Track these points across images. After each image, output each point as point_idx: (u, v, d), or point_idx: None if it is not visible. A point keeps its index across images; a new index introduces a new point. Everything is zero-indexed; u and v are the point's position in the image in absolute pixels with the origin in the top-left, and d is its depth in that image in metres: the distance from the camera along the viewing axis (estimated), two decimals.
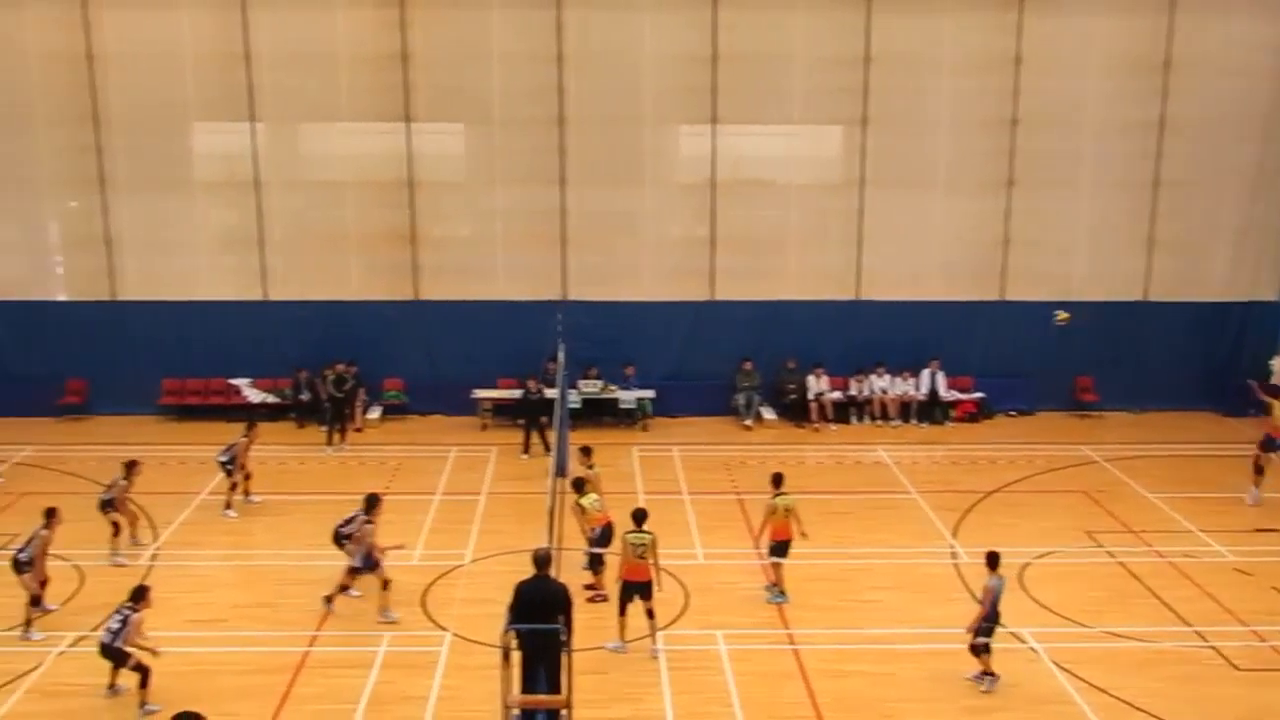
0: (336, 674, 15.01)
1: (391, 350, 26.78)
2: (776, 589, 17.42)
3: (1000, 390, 27.26)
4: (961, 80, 26.21)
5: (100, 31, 25.45)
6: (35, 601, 16.41)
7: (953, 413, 26.86)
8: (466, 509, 21.00)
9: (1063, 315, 23.17)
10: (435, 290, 26.73)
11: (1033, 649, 15.88)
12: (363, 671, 15.04)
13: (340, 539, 17.37)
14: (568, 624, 12.55)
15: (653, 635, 15.66)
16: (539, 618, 12.50)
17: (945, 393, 26.83)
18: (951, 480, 23.09)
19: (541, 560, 13.14)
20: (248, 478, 21.21)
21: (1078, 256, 27.17)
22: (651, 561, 15.60)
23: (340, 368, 25.21)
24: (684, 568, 18.35)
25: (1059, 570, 18.55)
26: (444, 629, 16.28)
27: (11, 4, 25.41)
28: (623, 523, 16.29)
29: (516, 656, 12.44)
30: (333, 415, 24.87)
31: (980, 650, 14.83)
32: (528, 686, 12.63)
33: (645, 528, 15.80)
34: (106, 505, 18.77)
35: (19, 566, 16.35)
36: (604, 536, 17.36)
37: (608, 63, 26.03)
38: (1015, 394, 27.33)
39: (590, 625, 15.68)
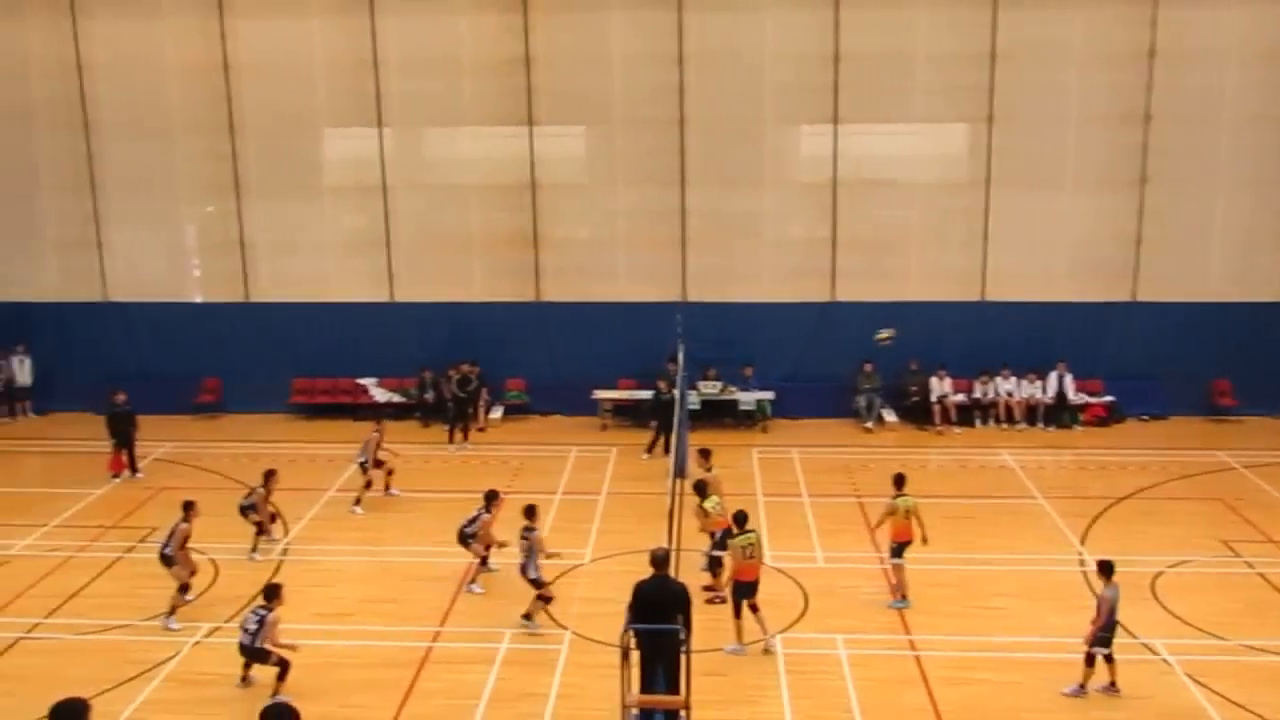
0: (459, 669, 15.25)
1: (513, 351, 27.11)
2: (899, 595, 17.18)
3: (1132, 394, 26.51)
4: (1091, 75, 25.57)
5: (235, 42, 26.31)
6: (184, 589, 17.03)
7: (1081, 416, 26.21)
8: (586, 509, 21.17)
9: (884, 335, 22.87)
10: (556, 291, 27.00)
11: (1165, 661, 15.44)
12: (485, 668, 15.25)
13: (465, 538, 17.71)
14: (687, 624, 12.56)
15: (763, 629, 15.67)
16: (658, 617, 12.54)
17: (1073, 396, 26.20)
18: (1079, 486, 22.56)
19: (660, 560, 13.18)
20: (389, 473, 21.66)
21: (1213, 255, 26.31)
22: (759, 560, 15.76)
23: (465, 368, 25.62)
24: (803, 571, 18.26)
25: (1193, 580, 17.98)
26: (564, 627, 16.42)
27: (152, 16, 26.39)
28: None
29: (636, 656, 12.50)
30: (455, 415, 25.28)
31: (1094, 660, 14.48)
32: (646, 686, 12.69)
33: (748, 527, 15.94)
34: (246, 510, 19.28)
35: (166, 560, 16.97)
36: (724, 539, 17.32)
37: (728, 63, 26.00)
38: (1147, 398, 26.56)
39: (709, 626, 15.68)
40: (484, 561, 18.03)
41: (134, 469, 22.92)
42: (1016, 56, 25.55)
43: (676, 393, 21.77)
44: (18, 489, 23.16)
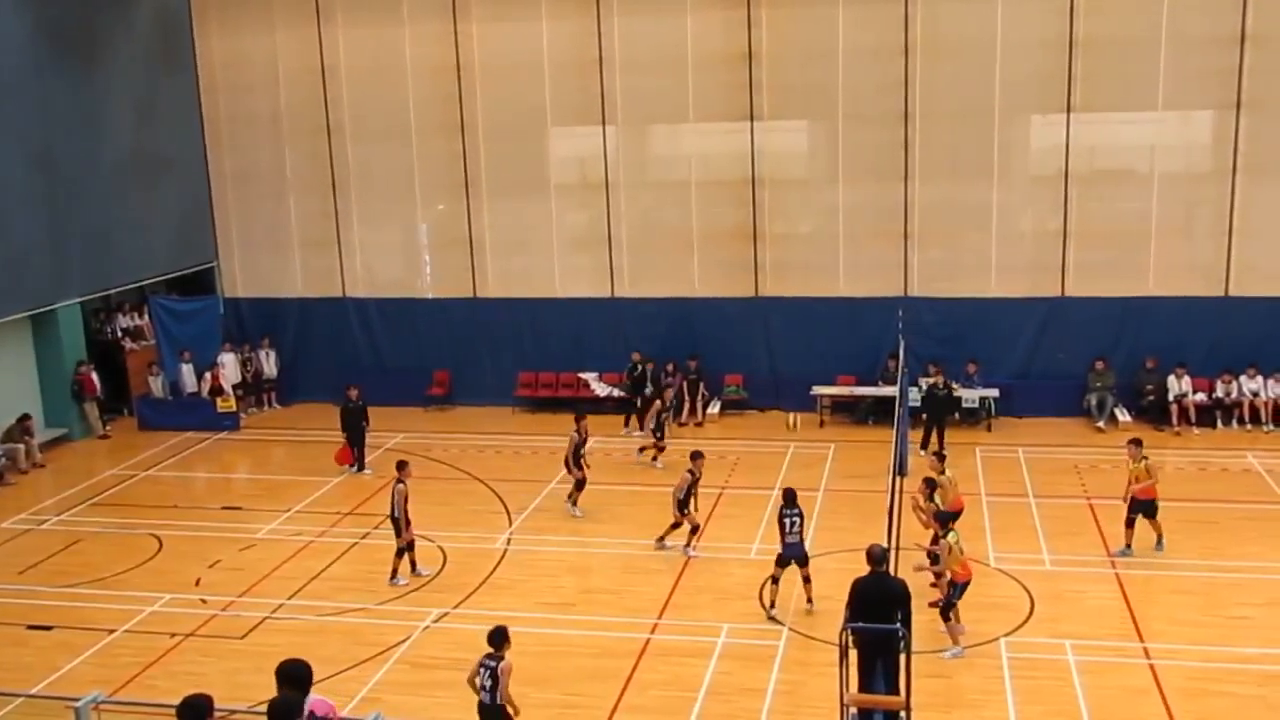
0: (678, 661, 15.39)
1: (732, 346, 27.15)
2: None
3: None
4: None
5: (468, 44, 27.20)
6: (401, 553, 18.02)
7: None
8: (805, 505, 20.89)
9: None
10: (776, 287, 26.91)
11: None
12: (703, 660, 15.34)
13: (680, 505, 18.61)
14: (906, 622, 12.34)
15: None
16: (876, 615, 12.37)
17: None
18: None
19: (878, 557, 12.98)
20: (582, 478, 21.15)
21: None
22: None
23: (636, 357, 26.07)
24: (1029, 573, 17.70)
25: None
26: (782, 624, 16.36)
27: (392, 23, 27.53)
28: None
29: (854, 654, 12.36)
30: (630, 403, 25.95)
31: None
32: (865, 685, 12.53)
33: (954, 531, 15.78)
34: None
35: (395, 524, 17.98)
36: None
37: (957, 53, 25.36)
38: None
39: (931, 628, 15.38)
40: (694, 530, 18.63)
41: (362, 465, 23.65)
42: (1270, 38, 24.06)
43: (895, 389, 21.39)
44: (264, 475, 24.65)
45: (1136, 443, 18.45)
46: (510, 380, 27.95)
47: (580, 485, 21.05)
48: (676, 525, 18.83)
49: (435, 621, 16.82)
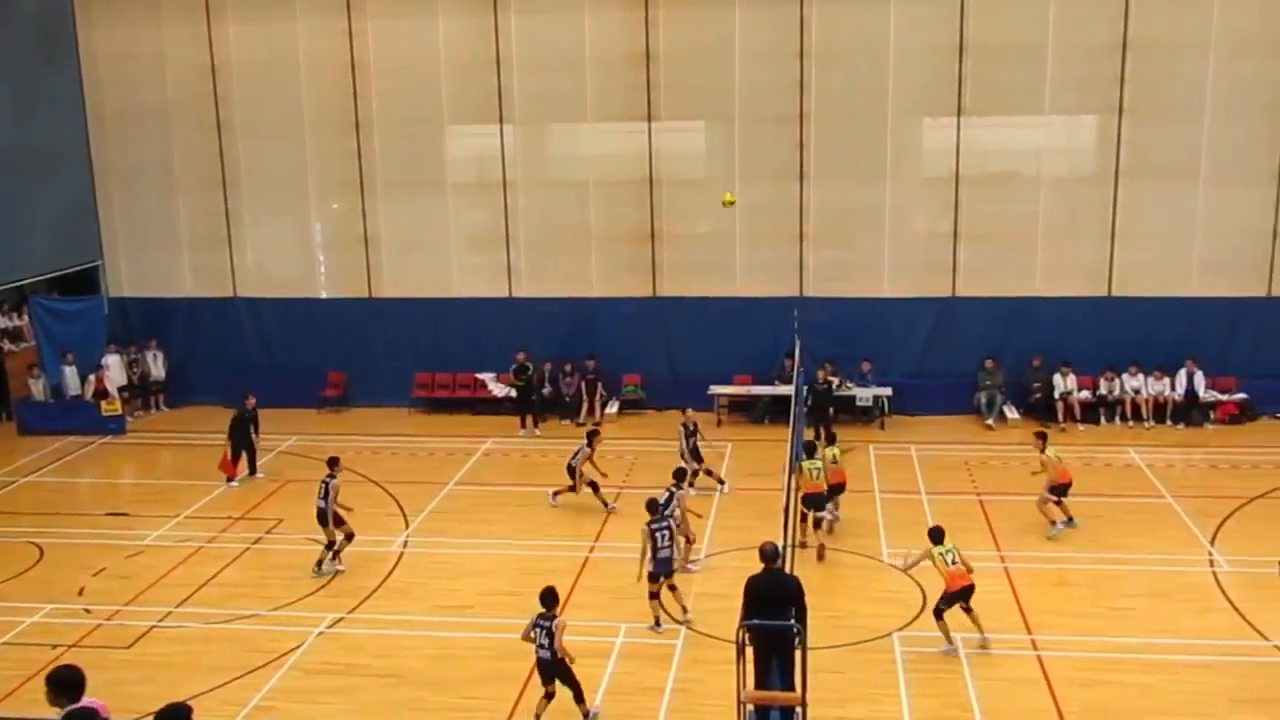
0: (576, 662, 15.31)
1: (630, 346, 27.23)
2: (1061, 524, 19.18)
3: (1267, 392, 25.60)
4: (1228, 65, 24.70)
5: (363, 40, 26.86)
6: (332, 545, 18.15)
7: (1213, 415, 25.41)
8: (702, 504, 21.12)
9: (729, 198, 23.02)
10: (674, 287, 27.04)
11: None
12: (601, 660, 15.32)
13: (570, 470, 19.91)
14: (801, 618, 12.46)
15: (978, 628, 15.52)
16: (771, 612, 12.45)
17: (1204, 393, 25.41)
18: (1211, 485, 21.85)
19: (770, 554, 13.08)
20: (593, 487, 21.03)
21: None
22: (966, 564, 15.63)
23: (521, 357, 26.03)
24: (921, 569, 17.94)
25: None
26: (680, 622, 16.42)
27: (286, 18, 27.06)
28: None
29: (752, 651, 12.44)
30: (524, 403, 25.91)
31: None
32: (762, 682, 12.62)
33: (946, 542, 15.77)
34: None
35: (322, 516, 18.18)
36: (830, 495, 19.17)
37: (851, 57, 25.74)
38: None
39: (827, 623, 15.56)
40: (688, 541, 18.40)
41: (254, 470, 23.18)
42: (1150, 46, 24.83)
43: (791, 388, 21.65)
44: (151, 480, 24.09)
45: (1041, 435, 19.87)
46: (407, 381, 27.67)
47: (573, 489, 21.05)
48: (572, 489, 20.57)
49: (330, 627, 16.57)
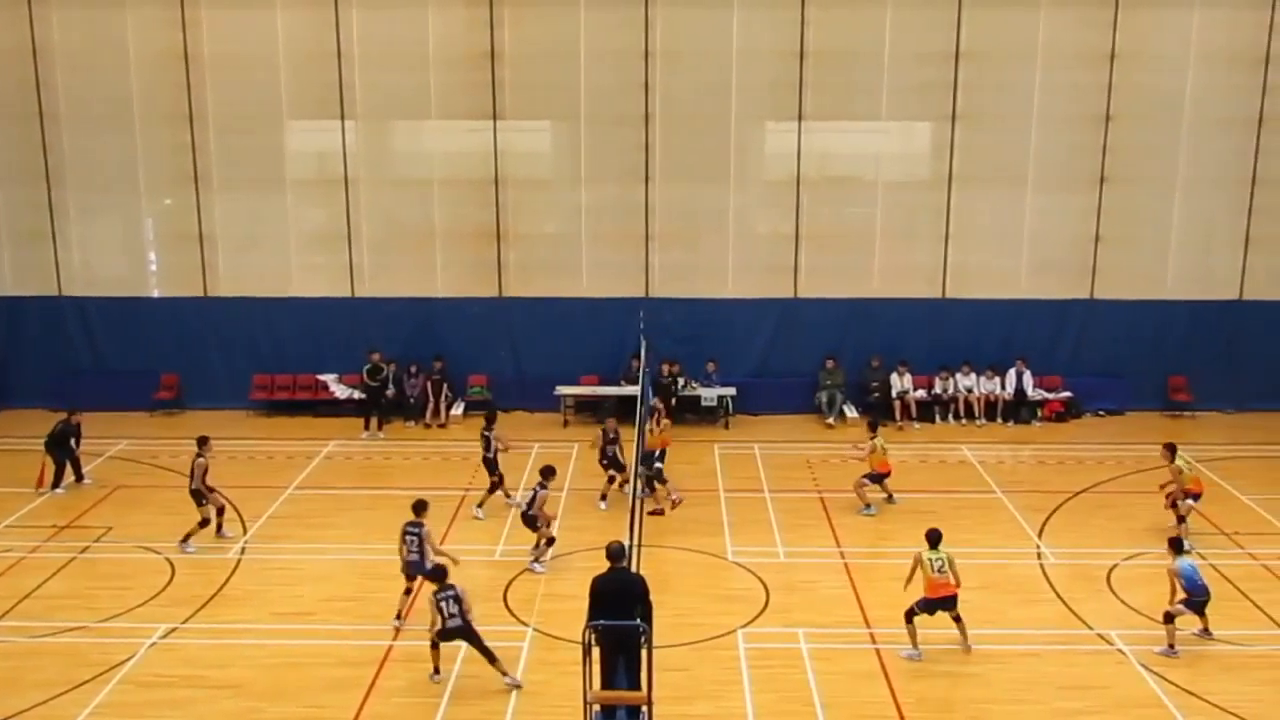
0: (421, 667, 15.14)
1: (476, 347, 27.01)
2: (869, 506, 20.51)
3: (1090, 390, 26.77)
4: (1054, 75, 25.74)
5: (197, 31, 25.99)
6: (205, 523, 19.00)
7: (1040, 412, 26.44)
8: (548, 505, 21.07)
9: None
10: (520, 287, 26.91)
11: (1121, 651, 15.61)
12: (447, 665, 15.14)
13: (528, 520, 18.40)
14: (647, 617, 12.52)
15: (963, 636, 15.55)
16: (617, 611, 12.48)
17: (1032, 392, 26.42)
18: (1038, 480, 22.73)
19: (616, 553, 13.12)
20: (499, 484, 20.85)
21: (1171, 255, 26.56)
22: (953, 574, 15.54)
23: (375, 358, 25.63)
24: (764, 565, 18.32)
25: (1148, 572, 18.12)
26: (525, 624, 16.37)
27: (114, 4, 26.03)
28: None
29: (597, 652, 12.45)
30: (370, 404, 25.43)
31: (1171, 619, 15.58)
32: (608, 682, 12.65)
33: (940, 548, 15.68)
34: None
35: (195, 495, 18.98)
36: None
37: (696, 59, 25.97)
38: (1105, 394, 26.82)
39: (672, 622, 15.68)
40: (549, 542, 18.48)
41: (80, 476, 22.20)
42: (981, 56, 25.69)
43: (638, 389, 21.76)
44: None
45: (873, 425, 21.50)
46: (245, 382, 26.92)
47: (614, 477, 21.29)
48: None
49: (163, 638, 16.02)
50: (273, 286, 27.01)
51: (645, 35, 25.69)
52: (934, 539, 15.78)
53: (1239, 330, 26.46)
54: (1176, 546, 16.05)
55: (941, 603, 15.45)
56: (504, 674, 14.56)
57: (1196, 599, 15.64)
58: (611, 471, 21.11)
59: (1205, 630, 15.93)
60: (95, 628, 16.29)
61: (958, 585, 15.48)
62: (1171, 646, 15.46)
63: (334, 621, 16.55)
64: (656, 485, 20.79)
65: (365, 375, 25.67)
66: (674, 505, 20.63)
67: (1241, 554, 18.78)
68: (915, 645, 15.52)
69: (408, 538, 16.37)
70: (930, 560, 15.51)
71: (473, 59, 25.93)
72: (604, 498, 20.98)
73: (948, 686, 14.77)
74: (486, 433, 20.91)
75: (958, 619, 15.54)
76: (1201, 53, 25.62)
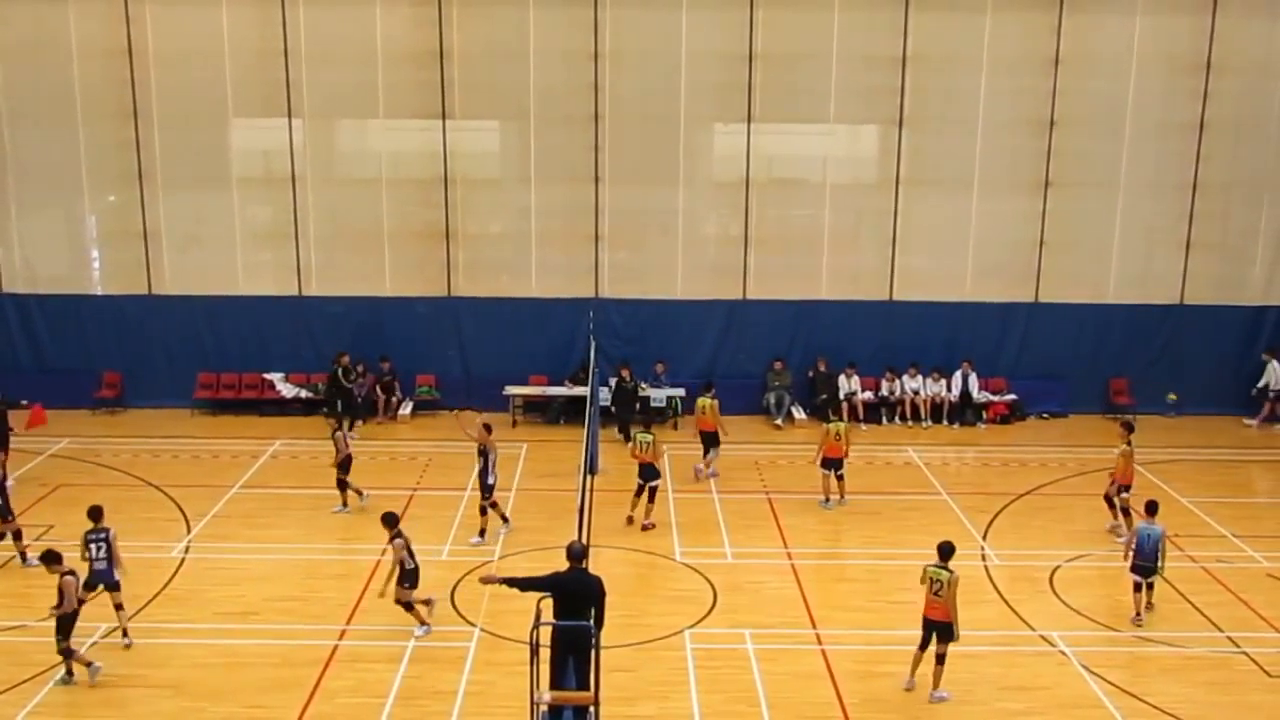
0: (366, 667, 15.10)
1: (424, 346, 26.89)
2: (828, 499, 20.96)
3: (1034, 392, 27.11)
4: (999, 81, 26.04)
5: (141, 26, 25.67)
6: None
7: (985, 414, 26.71)
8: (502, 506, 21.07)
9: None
10: (469, 287, 26.83)
11: (1063, 652, 15.80)
12: (392, 665, 15.12)
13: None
14: (599, 618, 12.52)
15: (935, 682, 14.63)
16: (575, 610, 12.45)
17: (978, 394, 26.71)
18: (982, 482, 22.97)
19: (577, 553, 13.05)
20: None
21: (1114, 259, 26.94)
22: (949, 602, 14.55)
23: (345, 360, 25.48)
24: (712, 566, 18.38)
25: (1090, 574, 18.43)
26: (472, 624, 16.33)
27: None
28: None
29: (545, 653, 12.43)
30: (344, 406, 25.17)
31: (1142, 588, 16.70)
32: (557, 683, 12.63)
33: (949, 565, 14.72)
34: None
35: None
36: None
37: (644, 61, 26.03)
38: (1049, 396, 27.17)
39: (619, 623, 15.68)
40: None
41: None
42: (927, 61, 25.94)
43: (587, 389, 21.77)
44: None
45: (835, 411, 22.48)
46: (189, 381, 26.64)
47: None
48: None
49: (104, 637, 15.79)
50: (218, 285, 26.73)
51: (595, 36, 25.69)
52: (944, 553, 14.75)
53: (1179, 334, 26.89)
54: (1150, 509, 17.06)
55: (933, 625, 14.59)
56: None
57: (1137, 562, 16.60)
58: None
59: (1138, 615, 16.55)
60: (35, 627, 16.04)
61: (947, 615, 14.51)
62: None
63: (278, 621, 16.42)
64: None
65: (340, 376, 25.40)
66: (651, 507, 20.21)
67: (1180, 556, 19.02)
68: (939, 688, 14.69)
69: (91, 545, 15.53)
70: (931, 579, 14.64)
71: (421, 58, 25.81)
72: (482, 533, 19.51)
73: (892, 687, 14.88)
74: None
75: (940, 658, 14.54)
76: (1143, 59, 26.02)
